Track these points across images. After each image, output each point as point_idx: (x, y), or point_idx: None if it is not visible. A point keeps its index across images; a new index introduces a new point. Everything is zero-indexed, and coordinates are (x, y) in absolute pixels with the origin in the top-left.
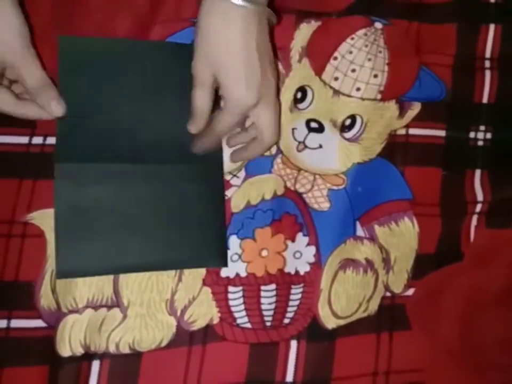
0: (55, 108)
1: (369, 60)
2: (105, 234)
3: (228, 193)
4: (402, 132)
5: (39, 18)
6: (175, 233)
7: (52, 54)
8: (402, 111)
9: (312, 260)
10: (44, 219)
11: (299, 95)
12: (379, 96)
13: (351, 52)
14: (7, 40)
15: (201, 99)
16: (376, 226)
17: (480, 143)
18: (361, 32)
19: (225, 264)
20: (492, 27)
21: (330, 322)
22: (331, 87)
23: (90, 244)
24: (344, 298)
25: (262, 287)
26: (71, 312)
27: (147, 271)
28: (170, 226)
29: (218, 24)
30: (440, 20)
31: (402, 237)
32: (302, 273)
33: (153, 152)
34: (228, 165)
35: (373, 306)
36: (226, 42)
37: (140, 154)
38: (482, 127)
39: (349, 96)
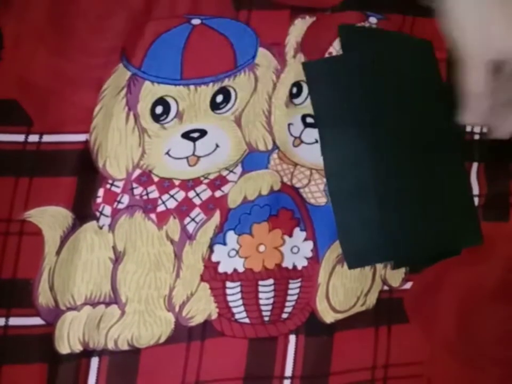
0: None
1: None
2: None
3: (225, 189)
4: None
5: (36, 18)
6: (433, 216)
7: (48, 54)
8: None
9: (309, 254)
10: (42, 216)
11: (294, 90)
12: None
13: None
14: None
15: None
16: None
17: (477, 136)
18: None
19: (481, 241)
20: None
21: (328, 317)
22: None
23: (367, 232)
24: (342, 292)
25: (260, 282)
26: (69, 309)
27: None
28: (427, 208)
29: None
30: (435, 13)
31: None
32: (299, 268)
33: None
34: (224, 160)
35: (371, 300)
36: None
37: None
38: None
39: None
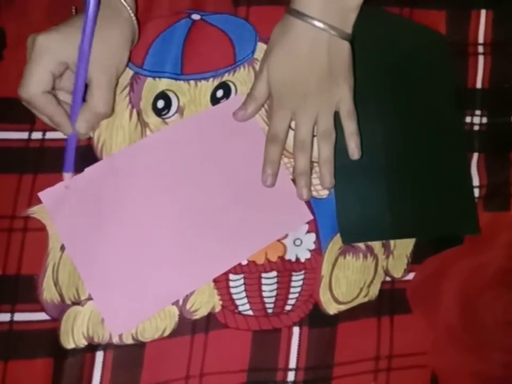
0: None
1: None
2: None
3: None
4: None
5: (36, 18)
6: (431, 199)
7: None
8: None
9: (312, 246)
10: (45, 212)
11: None
12: None
13: None
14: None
15: (254, 111)
16: None
17: (476, 127)
18: None
19: (477, 231)
20: (483, 12)
21: (331, 308)
22: None
23: (366, 208)
24: (344, 283)
25: (263, 275)
26: (74, 304)
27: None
28: (428, 193)
29: (292, 46)
30: (431, 6)
31: None
32: (302, 260)
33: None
34: None
35: (374, 291)
36: (293, 64)
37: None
38: (477, 112)
39: None
